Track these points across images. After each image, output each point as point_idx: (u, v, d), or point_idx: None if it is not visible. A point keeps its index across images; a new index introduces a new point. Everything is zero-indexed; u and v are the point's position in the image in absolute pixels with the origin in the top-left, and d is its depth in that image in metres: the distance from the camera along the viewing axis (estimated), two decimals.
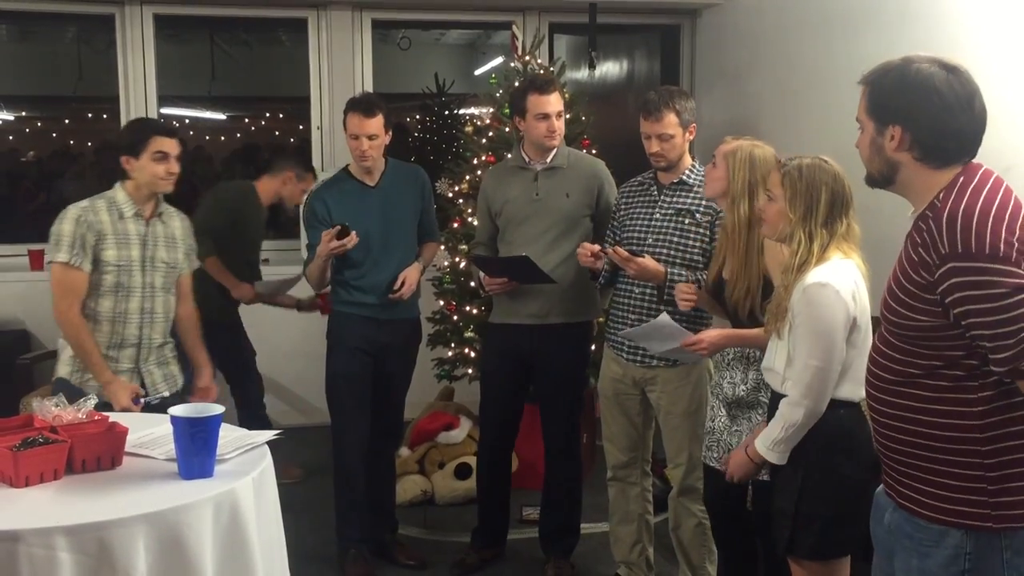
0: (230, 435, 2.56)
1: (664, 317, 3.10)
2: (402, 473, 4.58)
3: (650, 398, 3.46)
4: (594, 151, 4.65)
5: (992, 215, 1.77)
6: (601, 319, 4.11)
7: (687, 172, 3.39)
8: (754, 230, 2.88)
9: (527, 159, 3.70)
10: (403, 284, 3.70)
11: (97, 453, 2.40)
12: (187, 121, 10.37)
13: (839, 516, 2.49)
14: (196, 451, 2.32)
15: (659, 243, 3.34)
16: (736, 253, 2.94)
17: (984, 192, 1.82)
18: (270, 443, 2.58)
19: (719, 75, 5.92)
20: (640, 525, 3.61)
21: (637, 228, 3.42)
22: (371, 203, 3.73)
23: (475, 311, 4.74)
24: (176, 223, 3.39)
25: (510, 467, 3.97)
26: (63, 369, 3.25)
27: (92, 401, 2.60)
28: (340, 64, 5.93)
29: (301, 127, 6.89)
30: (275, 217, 5.39)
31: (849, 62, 4.23)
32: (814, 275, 2.44)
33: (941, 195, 1.86)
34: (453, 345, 4.88)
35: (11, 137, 10.07)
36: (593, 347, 4.05)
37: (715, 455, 3.05)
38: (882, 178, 1.97)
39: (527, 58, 4.99)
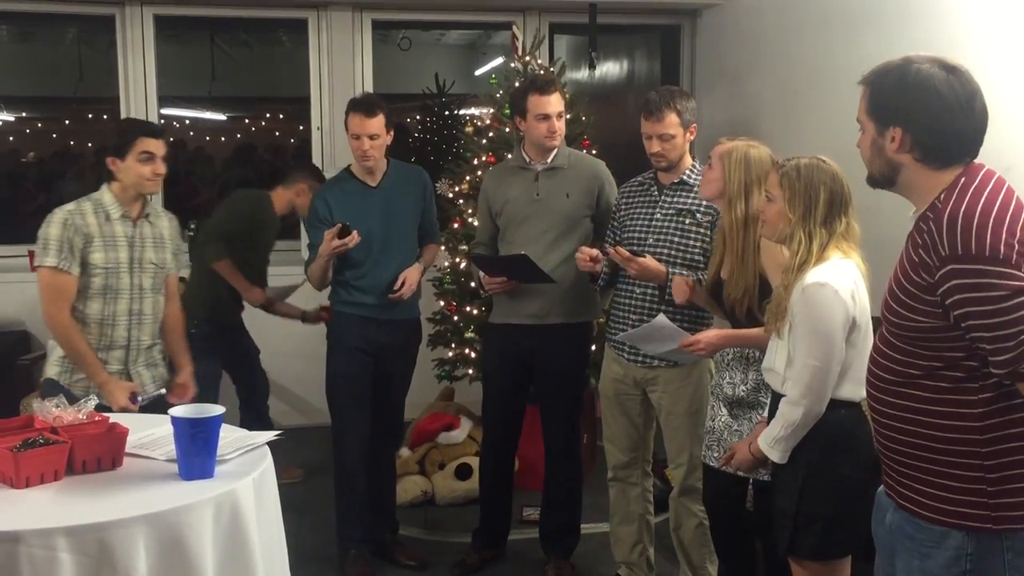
0: (230, 436, 2.56)
1: (661, 318, 3.10)
2: (402, 473, 4.58)
3: (651, 398, 3.46)
4: (594, 151, 4.65)
5: (992, 217, 1.77)
6: (601, 319, 4.11)
7: (688, 172, 3.39)
8: (750, 230, 2.89)
9: (528, 159, 3.70)
10: (403, 284, 3.71)
11: (97, 454, 2.40)
12: (187, 122, 10.39)
13: (840, 516, 2.49)
14: (196, 452, 2.32)
15: (660, 243, 3.34)
16: (733, 253, 2.94)
17: (985, 193, 1.82)
18: (270, 443, 2.58)
19: (719, 75, 5.92)
20: (641, 525, 3.61)
21: (638, 228, 3.42)
22: (373, 203, 3.73)
23: (475, 311, 4.74)
24: (164, 223, 3.38)
25: (513, 467, 3.97)
26: (52, 370, 3.24)
27: (92, 402, 2.60)
28: (340, 65, 5.93)
29: (301, 127, 6.89)
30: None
31: (849, 62, 4.23)
32: (813, 275, 2.44)
33: (942, 196, 1.86)
34: (453, 345, 4.88)
35: (11, 138, 10.07)
36: (593, 347, 4.05)
37: (715, 455, 3.05)
38: (883, 179, 1.97)
39: (527, 58, 4.99)
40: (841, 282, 2.43)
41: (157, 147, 3.22)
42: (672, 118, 3.30)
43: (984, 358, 1.81)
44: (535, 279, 3.56)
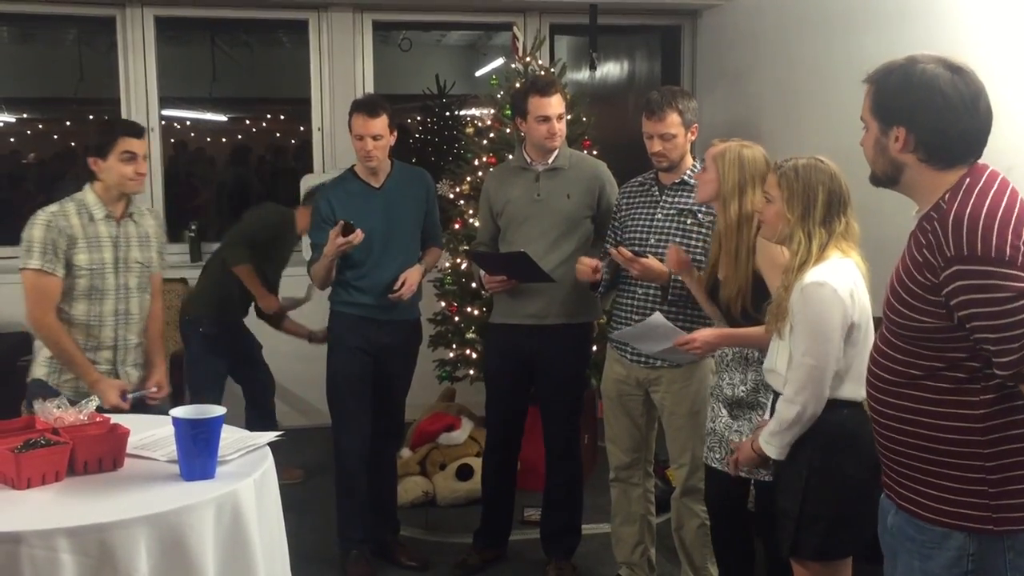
0: (231, 436, 2.56)
1: (657, 316, 3.10)
2: (403, 474, 4.58)
3: (654, 399, 3.46)
4: (595, 152, 4.65)
5: (999, 218, 1.77)
6: (602, 320, 4.11)
7: (689, 172, 3.39)
8: (743, 230, 2.91)
9: (529, 160, 3.70)
10: (403, 284, 3.71)
11: (99, 455, 2.40)
12: (188, 123, 10.38)
13: (843, 517, 2.49)
14: (198, 452, 2.32)
15: (661, 243, 3.34)
16: (727, 253, 2.95)
17: (991, 195, 1.81)
18: (271, 444, 2.58)
19: (720, 76, 5.92)
20: (642, 526, 3.61)
21: (639, 228, 3.42)
22: (375, 204, 3.74)
23: (476, 312, 4.74)
24: (149, 222, 3.36)
25: (515, 468, 3.97)
26: (39, 370, 3.22)
27: (94, 403, 2.60)
28: (341, 65, 5.93)
29: (302, 128, 6.89)
30: None
31: (849, 62, 4.24)
32: (812, 274, 2.44)
33: (947, 196, 1.85)
34: (454, 346, 4.88)
35: (12, 139, 10.06)
36: (595, 348, 4.05)
37: (717, 456, 3.05)
38: (886, 178, 1.96)
39: (528, 59, 4.99)
40: (840, 281, 2.43)
41: (139, 147, 3.19)
42: (674, 117, 3.30)
43: (987, 359, 1.81)
44: (534, 278, 3.56)
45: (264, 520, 2.37)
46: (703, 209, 3.32)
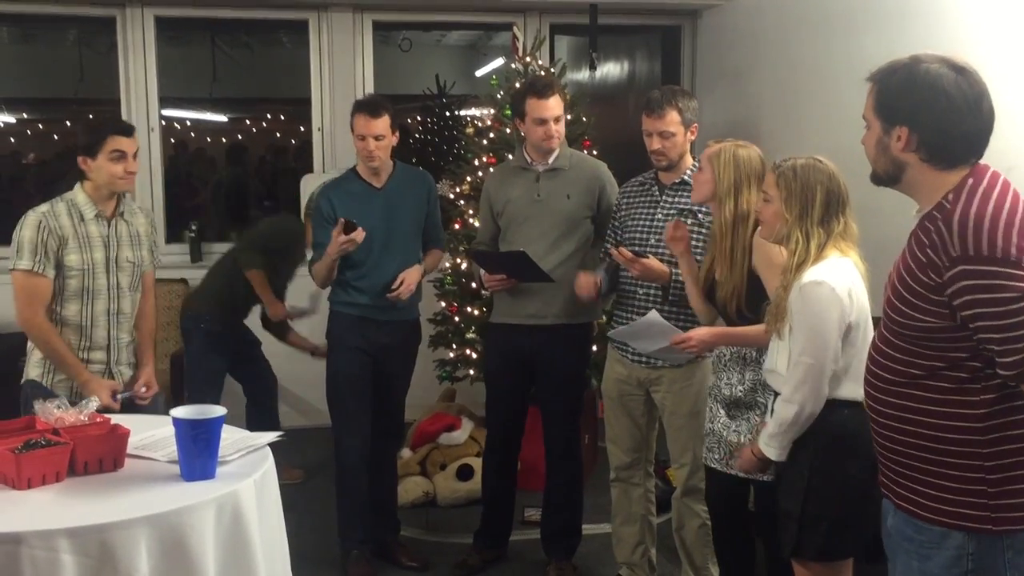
0: (232, 437, 2.56)
1: (653, 314, 3.10)
2: (404, 474, 4.58)
3: (655, 399, 3.46)
4: (595, 152, 4.65)
5: (1004, 219, 1.77)
6: (602, 320, 4.11)
7: (689, 172, 3.39)
8: (738, 229, 2.91)
9: (529, 160, 3.70)
10: (401, 284, 3.71)
11: (99, 455, 2.40)
12: (188, 123, 10.38)
13: (845, 517, 2.49)
14: (198, 453, 2.32)
15: (661, 243, 3.34)
16: (723, 253, 2.95)
17: (994, 196, 1.82)
18: (271, 444, 2.58)
19: (720, 76, 5.92)
20: (643, 526, 3.61)
21: (639, 228, 3.42)
22: (376, 204, 3.74)
23: (476, 312, 4.74)
24: (140, 220, 3.34)
25: (516, 468, 3.97)
26: (33, 371, 3.21)
27: (94, 403, 2.60)
28: (341, 66, 5.93)
29: (302, 129, 6.89)
30: None
31: (849, 62, 4.23)
32: (810, 274, 2.45)
33: (950, 197, 1.85)
34: (455, 346, 4.88)
35: (12, 139, 10.07)
36: (595, 348, 4.04)
37: (716, 456, 3.05)
38: (888, 177, 1.96)
39: (528, 59, 4.99)
40: (838, 280, 2.43)
41: (128, 145, 3.17)
42: (673, 115, 3.30)
43: (988, 359, 1.81)
44: (534, 278, 3.56)
45: (264, 520, 2.37)
46: (703, 209, 3.31)
